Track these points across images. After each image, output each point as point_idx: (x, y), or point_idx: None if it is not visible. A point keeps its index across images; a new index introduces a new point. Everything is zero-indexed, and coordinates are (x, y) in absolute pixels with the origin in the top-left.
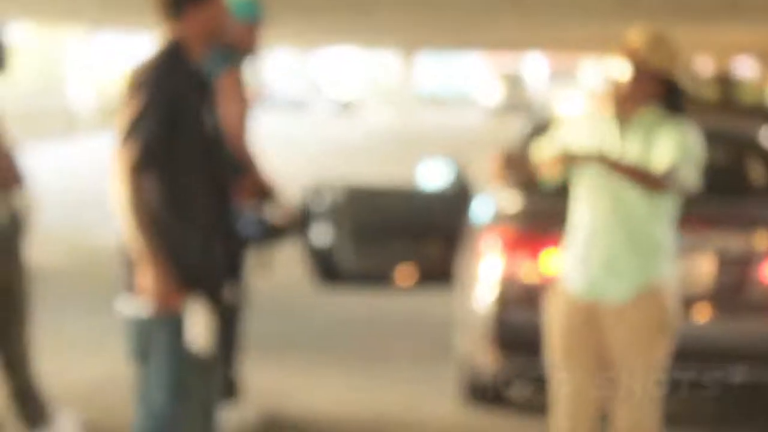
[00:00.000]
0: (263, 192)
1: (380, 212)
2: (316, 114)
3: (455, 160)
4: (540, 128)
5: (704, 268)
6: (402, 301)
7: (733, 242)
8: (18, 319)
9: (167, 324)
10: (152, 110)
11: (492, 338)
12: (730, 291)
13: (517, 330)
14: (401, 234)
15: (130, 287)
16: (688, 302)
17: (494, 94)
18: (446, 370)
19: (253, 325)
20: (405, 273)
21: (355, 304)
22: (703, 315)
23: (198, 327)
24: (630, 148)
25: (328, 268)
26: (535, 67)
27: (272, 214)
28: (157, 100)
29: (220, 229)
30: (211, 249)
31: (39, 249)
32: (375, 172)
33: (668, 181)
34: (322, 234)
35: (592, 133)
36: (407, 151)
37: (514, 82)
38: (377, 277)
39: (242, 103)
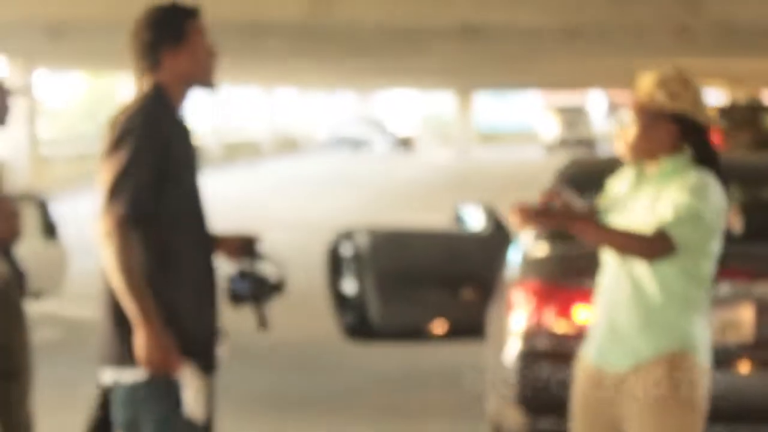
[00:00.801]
0: (249, 247)
1: (413, 259)
2: (375, 152)
3: (492, 204)
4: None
5: (744, 318)
6: (437, 351)
7: None
8: (19, 380)
9: (162, 390)
10: (140, 160)
11: (516, 397)
12: None
13: (542, 389)
14: (435, 283)
15: (116, 354)
16: (728, 355)
17: (552, 129)
18: (484, 427)
19: (276, 381)
20: (439, 324)
21: (386, 355)
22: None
23: (192, 393)
24: (639, 203)
25: (357, 322)
26: (594, 101)
27: (263, 269)
28: (145, 150)
29: (212, 290)
30: (204, 311)
31: (72, 300)
32: (428, 208)
33: (654, 247)
34: (350, 284)
35: (621, 183)
36: (462, 188)
37: (572, 117)
38: (410, 331)
39: None
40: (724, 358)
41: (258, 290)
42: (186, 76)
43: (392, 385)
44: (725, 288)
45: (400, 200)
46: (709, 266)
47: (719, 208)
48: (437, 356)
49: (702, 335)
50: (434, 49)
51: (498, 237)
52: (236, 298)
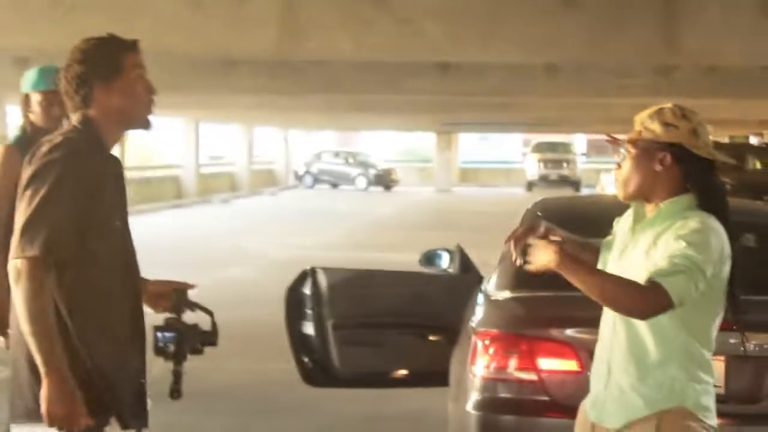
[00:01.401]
0: (178, 296)
1: (375, 300)
2: (356, 187)
3: (460, 246)
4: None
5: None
6: (403, 395)
7: None
8: None
9: None
10: (58, 198)
11: None
12: None
13: None
14: (398, 326)
15: (28, 407)
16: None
17: (533, 166)
18: None
19: (234, 426)
20: (403, 371)
21: (350, 398)
22: None
23: None
24: (636, 249)
25: (316, 366)
26: (574, 140)
27: (190, 319)
28: (64, 187)
29: (138, 339)
30: (128, 361)
31: None
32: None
33: (647, 302)
34: (311, 327)
35: (624, 229)
36: (442, 226)
37: (555, 154)
38: (371, 376)
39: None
40: None
41: (182, 342)
42: (119, 113)
43: (355, 430)
44: None
45: (377, 238)
46: (711, 320)
47: (721, 255)
48: (403, 400)
49: (705, 393)
50: (408, 85)
51: (466, 279)
52: (160, 350)
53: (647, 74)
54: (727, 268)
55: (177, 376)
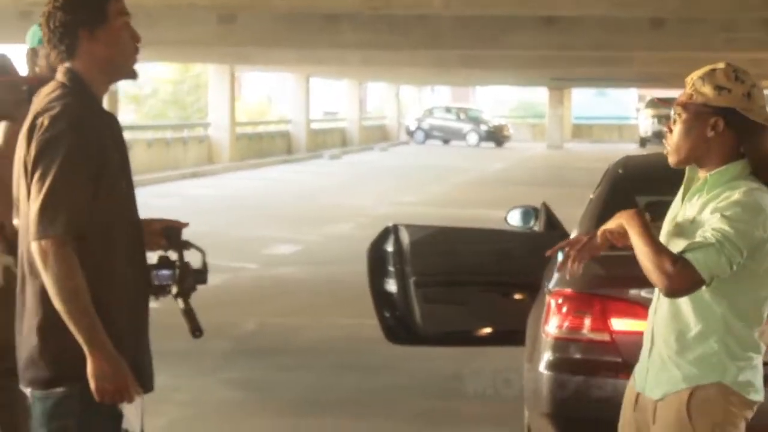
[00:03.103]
0: (171, 234)
1: (457, 258)
2: (468, 143)
3: (546, 205)
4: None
5: None
6: (482, 354)
7: None
8: None
9: (102, 408)
10: (73, 175)
11: (546, 408)
12: None
13: (572, 402)
14: (481, 284)
15: (44, 377)
16: None
17: (647, 122)
18: None
19: (316, 382)
20: (486, 329)
21: (429, 358)
22: None
23: (132, 408)
24: (685, 217)
25: (398, 323)
26: None
27: (185, 256)
28: (77, 162)
29: (146, 307)
30: (140, 329)
31: None
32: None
33: (675, 280)
34: (393, 284)
35: (679, 193)
36: (552, 183)
37: (667, 112)
38: (453, 335)
39: None
40: None
41: (182, 279)
42: (106, 63)
43: (433, 389)
44: None
45: (483, 194)
46: (760, 295)
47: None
48: (484, 360)
49: (748, 369)
50: (510, 40)
51: (551, 237)
52: (158, 288)
53: (754, 27)
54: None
55: (190, 313)
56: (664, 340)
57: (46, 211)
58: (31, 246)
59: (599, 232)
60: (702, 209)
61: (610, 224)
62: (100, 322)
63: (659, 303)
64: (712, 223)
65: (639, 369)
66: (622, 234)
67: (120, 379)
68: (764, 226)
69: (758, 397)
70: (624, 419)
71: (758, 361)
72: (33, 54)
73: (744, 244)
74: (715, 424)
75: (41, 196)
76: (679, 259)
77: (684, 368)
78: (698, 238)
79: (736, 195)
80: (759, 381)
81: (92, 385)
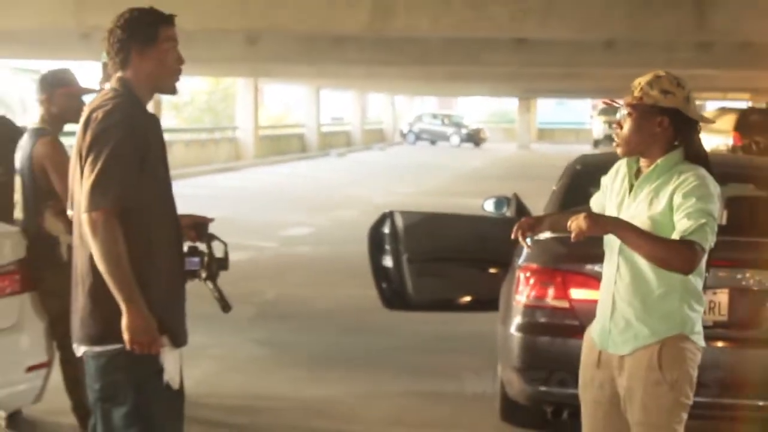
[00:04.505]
0: (200, 227)
1: (443, 239)
2: (450, 144)
3: (516, 195)
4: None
5: (721, 301)
6: (467, 319)
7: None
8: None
9: (139, 358)
10: (122, 157)
11: (517, 364)
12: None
13: (538, 358)
14: (463, 261)
15: (95, 333)
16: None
17: (598, 127)
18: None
19: (332, 341)
20: (467, 298)
21: (423, 321)
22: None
23: (171, 362)
24: (636, 201)
25: (394, 293)
26: None
27: (211, 247)
28: (125, 146)
29: (182, 275)
30: (176, 294)
31: None
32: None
33: (693, 261)
34: (389, 260)
35: (618, 184)
36: (522, 176)
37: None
38: (440, 303)
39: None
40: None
41: (208, 265)
42: (150, 78)
43: (425, 347)
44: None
45: (467, 186)
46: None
47: (718, 200)
48: (467, 323)
49: (698, 319)
50: (486, 58)
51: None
52: (188, 273)
53: (689, 49)
54: (718, 208)
55: (219, 292)
56: (628, 303)
57: (98, 186)
58: (81, 218)
59: (547, 222)
60: (657, 191)
61: (593, 230)
62: (136, 286)
63: (619, 274)
64: (691, 206)
65: (599, 331)
66: (564, 226)
67: (149, 333)
68: (717, 196)
69: (703, 342)
70: (584, 379)
71: (701, 310)
72: (105, 67)
73: (716, 216)
74: (681, 369)
75: (94, 174)
76: (685, 243)
77: (651, 325)
78: (687, 221)
79: (691, 178)
80: (701, 328)
81: (125, 336)
